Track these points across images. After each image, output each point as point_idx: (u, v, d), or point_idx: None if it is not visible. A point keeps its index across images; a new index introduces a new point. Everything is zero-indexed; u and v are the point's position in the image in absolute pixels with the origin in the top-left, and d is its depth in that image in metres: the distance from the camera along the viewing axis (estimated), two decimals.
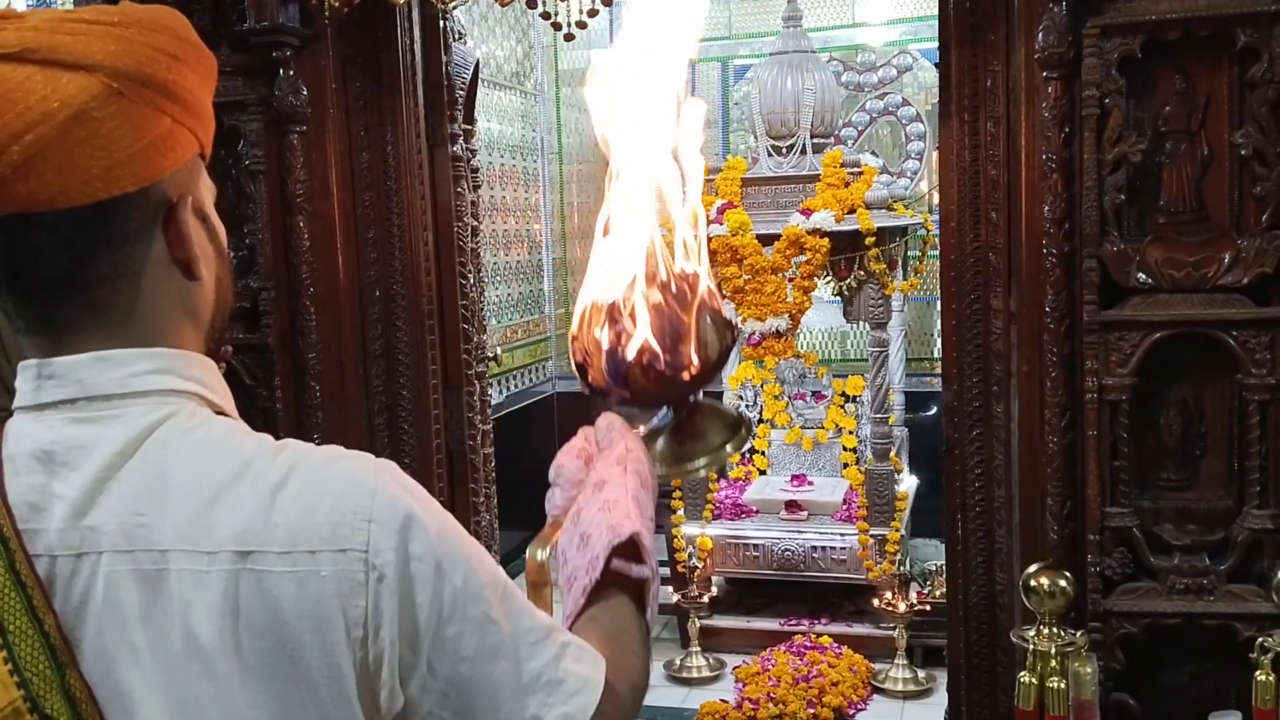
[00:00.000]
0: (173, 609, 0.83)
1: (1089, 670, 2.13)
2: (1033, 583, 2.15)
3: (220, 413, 0.94)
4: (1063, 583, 2.13)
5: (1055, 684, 2.13)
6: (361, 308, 2.75)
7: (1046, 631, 2.15)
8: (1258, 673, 2.09)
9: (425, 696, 0.87)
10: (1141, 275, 2.18)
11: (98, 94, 0.83)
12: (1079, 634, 2.16)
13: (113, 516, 0.84)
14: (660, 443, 1.14)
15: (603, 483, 1.04)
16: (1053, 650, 2.13)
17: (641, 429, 1.13)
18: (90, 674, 0.83)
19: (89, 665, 0.83)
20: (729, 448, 1.16)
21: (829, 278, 4.55)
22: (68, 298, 0.88)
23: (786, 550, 4.71)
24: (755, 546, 4.76)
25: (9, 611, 0.82)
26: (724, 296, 4.60)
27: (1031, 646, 2.15)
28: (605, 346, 1.09)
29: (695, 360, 1.08)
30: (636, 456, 1.07)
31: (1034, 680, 2.15)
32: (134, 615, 0.83)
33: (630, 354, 1.07)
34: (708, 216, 4.61)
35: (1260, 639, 2.10)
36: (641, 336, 1.07)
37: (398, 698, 0.86)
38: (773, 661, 4.36)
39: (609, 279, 1.10)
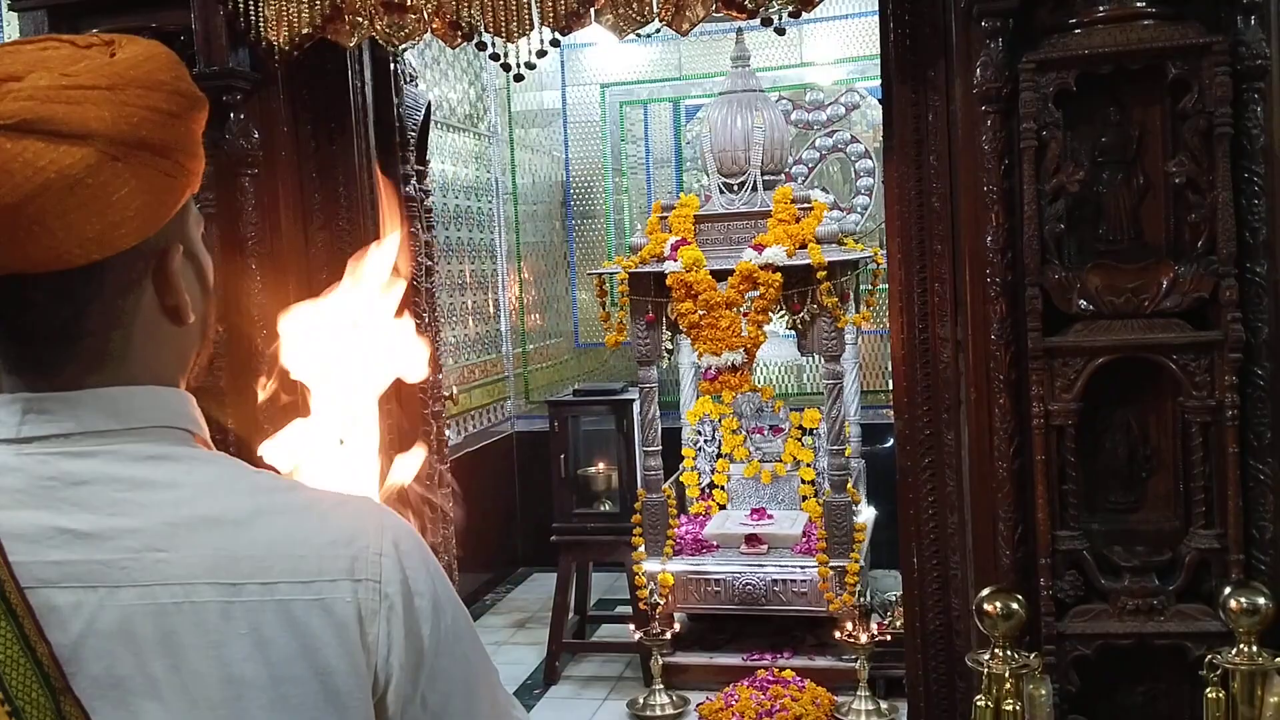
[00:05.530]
0: (199, 640, 0.85)
1: (1044, 692, 2.15)
2: (985, 606, 2.17)
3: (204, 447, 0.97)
4: (1014, 605, 2.15)
5: (1010, 707, 2.14)
6: None
7: (1001, 655, 2.17)
8: (1208, 690, 2.12)
9: None
10: (1083, 302, 2.22)
11: (94, 163, 0.84)
12: (1032, 656, 2.18)
13: (126, 551, 0.86)
14: None
15: None
16: (1007, 673, 2.15)
17: None
18: (93, 704, 0.83)
19: (90, 695, 0.83)
20: None
21: (783, 312, 4.59)
22: (60, 345, 0.89)
23: (748, 584, 4.72)
24: (717, 581, 4.76)
25: None
26: (681, 332, 4.65)
27: (986, 670, 2.17)
28: None
29: None
30: None
31: (990, 704, 2.16)
32: (153, 647, 0.84)
33: None
34: (662, 254, 4.67)
35: (1210, 657, 2.13)
36: None
37: None
38: (736, 697, 4.35)
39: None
